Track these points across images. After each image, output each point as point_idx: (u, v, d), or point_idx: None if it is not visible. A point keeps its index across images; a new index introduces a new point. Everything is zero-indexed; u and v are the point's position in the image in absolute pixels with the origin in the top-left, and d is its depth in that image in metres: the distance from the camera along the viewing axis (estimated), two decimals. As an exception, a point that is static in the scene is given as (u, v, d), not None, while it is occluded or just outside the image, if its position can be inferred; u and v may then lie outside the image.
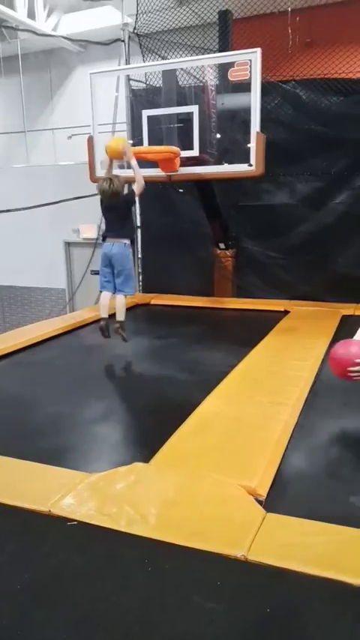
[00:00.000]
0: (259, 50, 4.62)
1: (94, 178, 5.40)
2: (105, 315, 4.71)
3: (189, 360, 4.48)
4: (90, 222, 8.06)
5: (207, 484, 2.36)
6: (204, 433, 2.90)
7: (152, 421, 3.30)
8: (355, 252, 6.13)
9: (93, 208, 5.44)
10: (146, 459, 2.61)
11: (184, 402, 3.36)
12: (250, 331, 5.24)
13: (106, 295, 4.74)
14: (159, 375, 4.13)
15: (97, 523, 2.08)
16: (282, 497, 2.36)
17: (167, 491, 2.33)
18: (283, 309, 6.16)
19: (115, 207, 4.56)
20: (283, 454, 2.69)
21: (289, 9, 5.68)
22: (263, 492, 2.32)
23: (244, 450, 2.69)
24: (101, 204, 4.68)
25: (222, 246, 6.67)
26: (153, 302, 6.96)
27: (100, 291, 4.83)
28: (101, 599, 1.72)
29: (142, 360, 4.66)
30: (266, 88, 5.45)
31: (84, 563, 1.91)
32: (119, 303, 4.66)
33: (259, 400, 3.32)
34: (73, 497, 2.25)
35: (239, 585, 1.80)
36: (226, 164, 5.06)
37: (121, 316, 4.67)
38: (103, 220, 4.86)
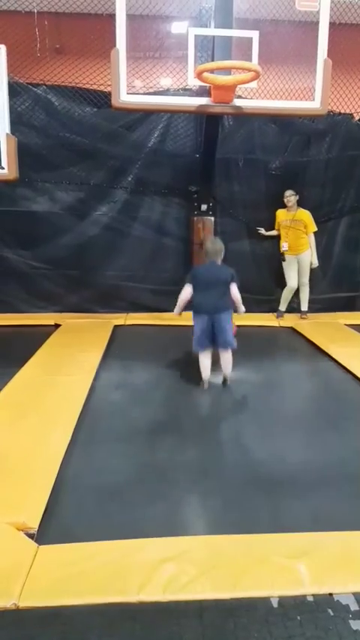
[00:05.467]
0: (3, 47, 4.30)
1: None
2: None
3: None
4: None
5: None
6: None
7: None
8: (122, 263, 6.17)
9: None
10: None
11: None
12: (15, 350, 4.80)
13: None
14: None
15: None
16: (57, 524, 2.18)
17: None
18: (53, 323, 5.83)
19: None
20: (57, 478, 2.48)
21: (35, 10, 5.43)
22: (34, 524, 2.11)
23: (9, 483, 2.40)
24: None
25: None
26: None
27: None
28: None
29: None
30: (15, 89, 5.13)
31: None
32: None
33: (27, 425, 3.04)
34: None
35: (10, 641, 1.58)
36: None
37: None
38: None
